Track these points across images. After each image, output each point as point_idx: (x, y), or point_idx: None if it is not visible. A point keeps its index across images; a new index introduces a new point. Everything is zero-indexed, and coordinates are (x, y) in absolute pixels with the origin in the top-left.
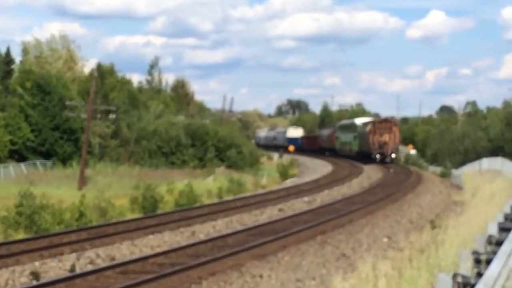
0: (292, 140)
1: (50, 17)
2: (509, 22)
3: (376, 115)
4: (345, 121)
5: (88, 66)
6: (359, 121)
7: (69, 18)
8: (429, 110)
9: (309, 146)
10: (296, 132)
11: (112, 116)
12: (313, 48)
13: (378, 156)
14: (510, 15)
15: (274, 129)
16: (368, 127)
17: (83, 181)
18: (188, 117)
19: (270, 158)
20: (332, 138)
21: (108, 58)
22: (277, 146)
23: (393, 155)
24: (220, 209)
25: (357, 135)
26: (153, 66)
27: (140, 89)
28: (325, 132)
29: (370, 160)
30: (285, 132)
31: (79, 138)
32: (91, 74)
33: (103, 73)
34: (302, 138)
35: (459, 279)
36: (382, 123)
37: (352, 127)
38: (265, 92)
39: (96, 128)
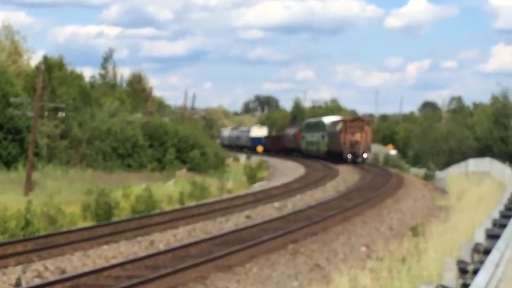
0: (256, 140)
1: None
2: (497, 10)
3: (353, 112)
4: (311, 120)
5: (35, 59)
6: (327, 119)
7: (14, 6)
8: (410, 106)
9: (273, 146)
10: (260, 132)
11: (61, 114)
12: (283, 38)
13: (349, 156)
14: (498, 2)
15: (238, 128)
16: (339, 126)
17: (29, 186)
18: (146, 115)
19: (236, 159)
20: (297, 138)
21: (57, 50)
22: (241, 146)
23: (365, 155)
24: (182, 216)
25: (326, 134)
26: (107, 59)
27: (92, 84)
28: (290, 131)
29: (341, 160)
30: (248, 131)
31: (25, 139)
32: (37, 68)
33: (51, 66)
34: (266, 138)
35: None
36: (353, 122)
37: (320, 126)
38: (231, 87)
39: (43, 127)
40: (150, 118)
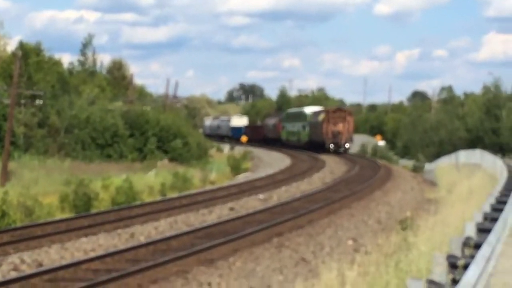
0: (236, 130)
1: None
2: None
3: (340, 102)
4: (292, 110)
5: (11, 45)
6: (309, 110)
7: None
8: (399, 96)
9: (254, 136)
10: (240, 121)
11: (39, 102)
12: (268, 25)
13: (332, 146)
14: None
15: (219, 117)
16: (321, 116)
17: (5, 176)
18: (126, 103)
19: (220, 150)
20: (278, 128)
21: (34, 36)
22: (221, 136)
23: (347, 145)
24: (163, 208)
25: (307, 124)
26: (86, 45)
27: (71, 71)
28: (270, 121)
29: (322, 150)
30: (229, 120)
31: (1, 127)
32: (14, 54)
33: (28, 52)
34: (246, 127)
35: (432, 287)
36: (336, 112)
37: (301, 116)
38: (214, 75)
39: (20, 115)
40: (131, 107)
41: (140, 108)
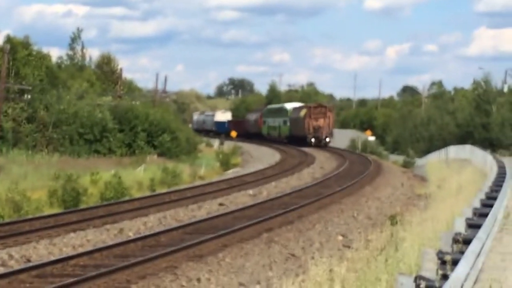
0: (220, 124)
1: None
2: None
3: (330, 96)
4: (273, 106)
5: None
6: (290, 105)
7: None
8: (390, 91)
9: (236, 130)
10: (224, 116)
11: (27, 96)
12: (258, 20)
13: (313, 140)
14: None
15: (204, 112)
16: (303, 112)
17: None
18: (115, 98)
19: (210, 145)
20: (259, 123)
21: (23, 30)
22: (207, 130)
23: (327, 139)
24: (152, 203)
25: (288, 119)
26: (74, 39)
27: (59, 65)
28: (252, 116)
29: (304, 144)
30: (213, 115)
31: None
32: (1, 48)
33: (16, 46)
34: (229, 122)
35: (422, 282)
36: (317, 108)
37: (282, 112)
38: (204, 70)
39: (9, 110)
40: (119, 102)
41: (129, 103)
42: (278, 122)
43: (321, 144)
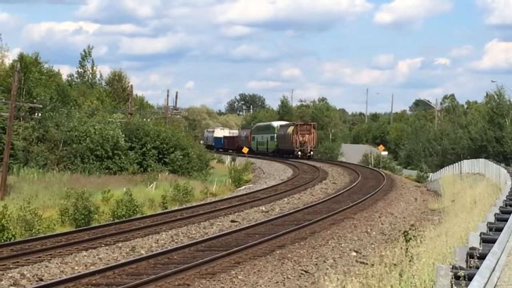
0: (218, 140)
1: None
2: (490, 5)
3: (342, 111)
4: (261, 124)
5: (9, 58)
6: (276, 123)
7: None
8: (402, 105)
9: (230, 146)
10: (221, 133)
11: (38, 115)
12: (269, 35)
13: (299, 153)
14: None
15: (208, 128)
16: (290, 129)
17: (5, 190)
18: (126, 115)
19: (221, 161)
20: (248, 139)
21: (33, 48)
22: (209, 146)
23: (311, 152)
24: (164, 220)
25: (275, 135)
26: (85, 56)
27: (70, 83)
28: (243, 133)
29: (290, 157)
30: (213, 132)
31: (0, 140)
32: (12, 66)
33: (26, 65)
34: (224, 138)
35: None
36: (303, 126)
37: (270, 129)
38: (214, 86)
39: (20, 130)
40: (130, 119)
41: (140, 120)
42: (265, 138)
43: (306, 157)
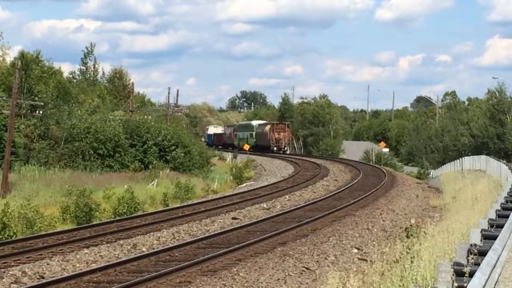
0: (209, 137)
1: None
2: (492, 2)
3: (343, 108)
4: (242, 123)
5: (10, 55)
6: (255, 122)
7: None
8: (403, 102)
9: (218, 142)
10: (214, 130)
11: (39, 112)
12: (270, 32)
13: (275, 148)
14: None
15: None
16: (267, 127)
17: (6, 188)
18: (127, 112)
19: (222, 159)
20: (232, 136)
21: (34, 46)
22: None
23: (285, 148)
24: (166, 218)
25: (254, 133)
26: (87, 54)
27: (70, 80)
28: (227, 130)
29: (267, 152)
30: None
31: (1, 138)
32: (13, 64)
33: (28, 63)
34: (214, 135)
35: None
36: (278, 125)
37: (249, 127)
38: (216, 83)
39: (22, 127)
40: (131, 116)
41: (141, 117)
42: (246, 135)
43: (280, 152)
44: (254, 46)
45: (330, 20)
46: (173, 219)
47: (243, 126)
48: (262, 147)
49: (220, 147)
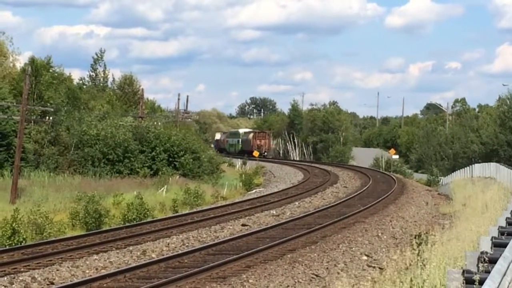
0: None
1: None
2: (502, 9)
3: (353, 115)
4: (233, 130)
5: (21, 61)
6: (241, 130)
7: None
8: (413, 108)
9: (217, 147)
10: (217, 136)
11: (49, 119)
12: (280, 39)
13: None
14: (502, 0)
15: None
16: (251, 135)
17: (16, 193)
18: (137, 119)
19: (232, 165)
20: (224, 142)
21: (44, 52)
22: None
23: (266, 153)
24: (175, 224)
25: (240, 140)
26: (97, 60)
27: (80, 86)
28: (222, 137)
29: (250, 156)
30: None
31: (12, 143)
32: (24, 70)
33: (38, 68)
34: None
35: None
36: (260, 133)
37: (237, 135)
38: (225, 89)
39: (33, 133)
40: (141, 123)
41: (151, 124)
42: (235, 141)
43: (262, 156)
44: (263, 52)
45: (339, 27)
46: (183, 226)
47: (233, 133)
48: (246, 152)
49: (218, 151)
